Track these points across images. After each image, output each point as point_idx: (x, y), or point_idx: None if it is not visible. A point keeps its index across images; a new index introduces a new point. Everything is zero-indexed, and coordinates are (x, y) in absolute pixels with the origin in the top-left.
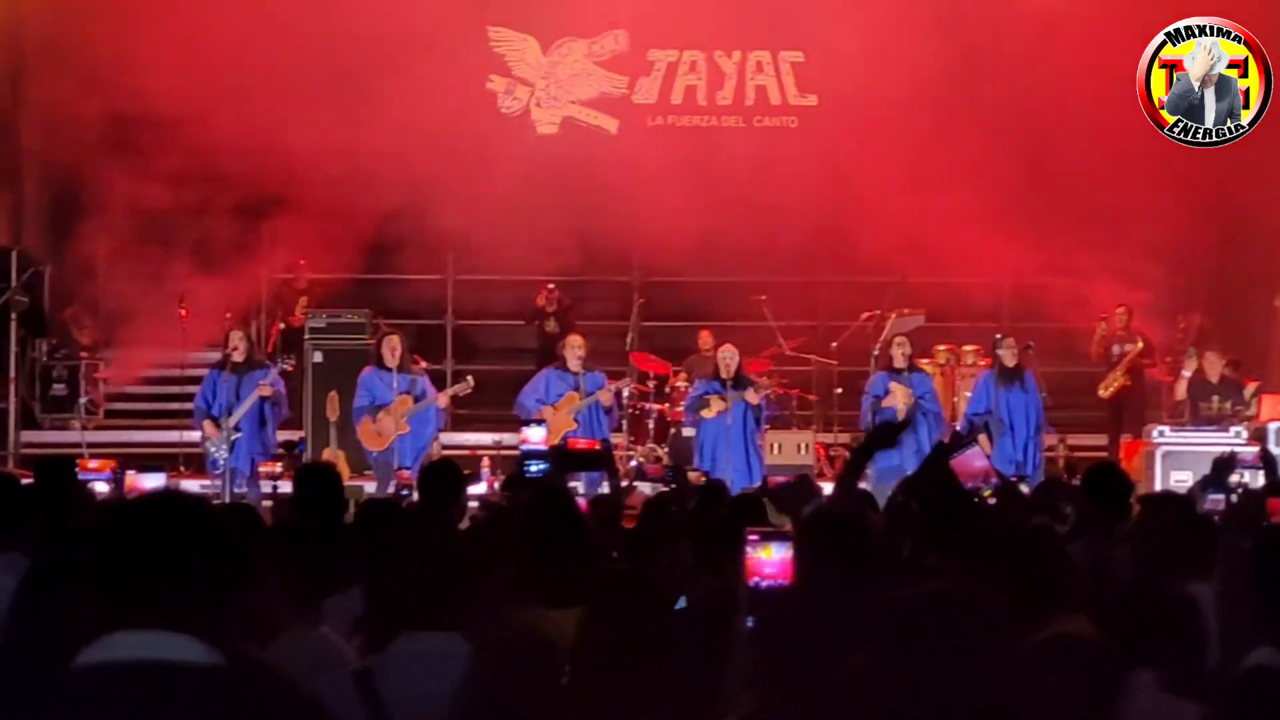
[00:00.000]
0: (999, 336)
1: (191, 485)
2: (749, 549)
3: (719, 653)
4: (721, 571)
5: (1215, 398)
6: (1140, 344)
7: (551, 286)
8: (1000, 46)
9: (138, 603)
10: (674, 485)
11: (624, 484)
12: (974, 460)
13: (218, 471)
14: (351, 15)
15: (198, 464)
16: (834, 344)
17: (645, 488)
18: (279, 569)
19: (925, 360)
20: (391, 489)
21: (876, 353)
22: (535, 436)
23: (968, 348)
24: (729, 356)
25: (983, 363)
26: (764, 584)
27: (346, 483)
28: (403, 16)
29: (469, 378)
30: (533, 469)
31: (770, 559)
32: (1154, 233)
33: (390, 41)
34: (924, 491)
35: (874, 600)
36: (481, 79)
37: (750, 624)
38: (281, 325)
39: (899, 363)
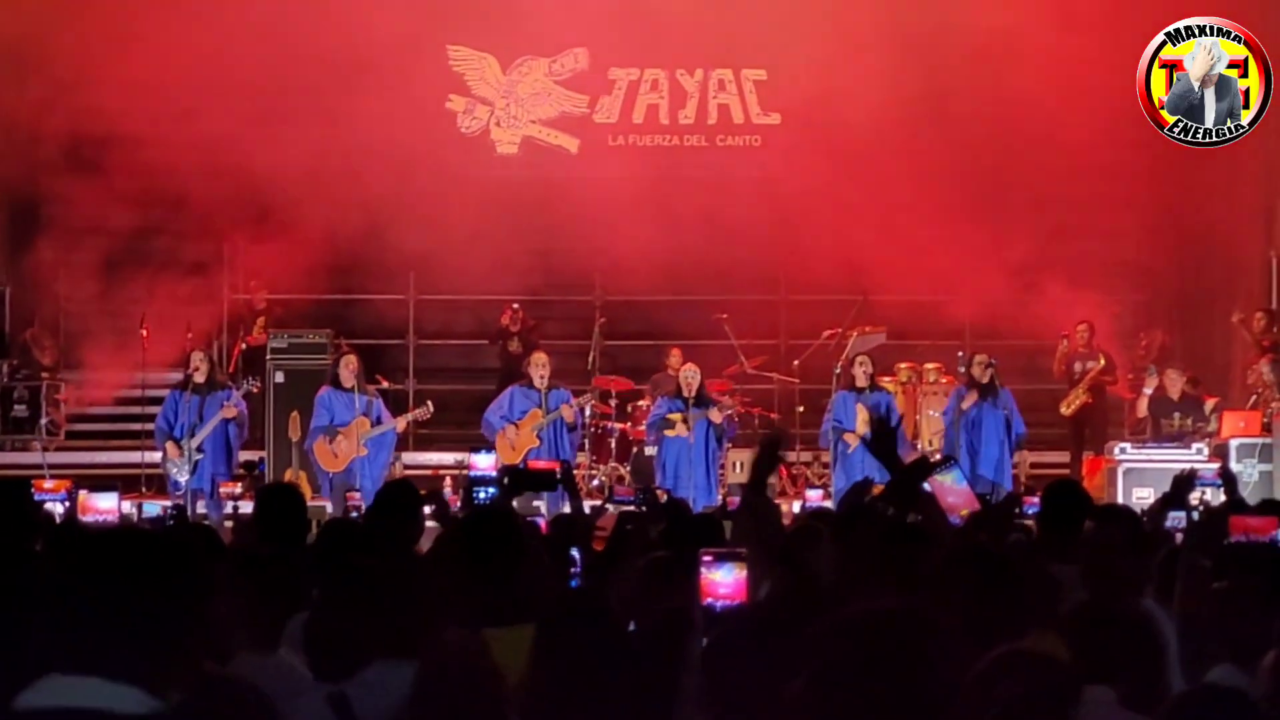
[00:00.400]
0: (963, 354)
1: (152, 507)
2: (703, 569)
3: (673, 674)
4: (677, 592)
5: (1176, 415)
6: (1102, 361)
7: (516, 306)
8: (962, 66)
9: (79, 646)
10: (645, 506)
11: (601, 505)
12: (947, 495)
13: (179, 493)
14: (310, 35)
15: (159, 485)
16: (796, 362)
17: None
18: (237, 591)
19: (887, 379)
20: (340, 510)
21: (838, 371)
22: (483, 463)
23: (930, 366)
24: (691, 375)
25: (944, 380)
26: (718, 605)
27: (309, 503)
28: (363, 36)
29: (428, 403)
30: (480, 495)
31: (725, 579)
32: (1115, 250)
33: (350, 62)
34: (900, 505)
35: (819, 620)
36: (441, 99)
37: (704, 644)
38: (243, 345)
39: (861, 381)
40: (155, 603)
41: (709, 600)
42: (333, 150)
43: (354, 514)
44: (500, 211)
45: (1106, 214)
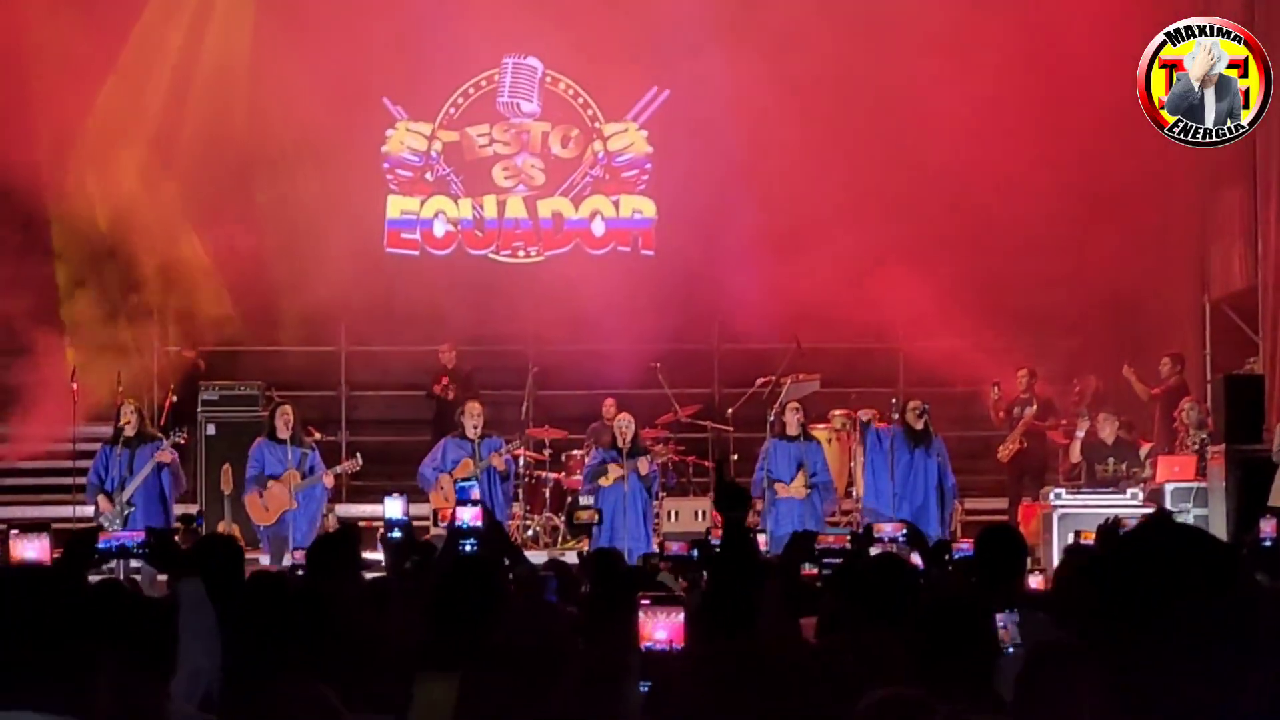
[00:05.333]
0: (896, 400)
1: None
2: (641, 614)
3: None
4: (613, 637)
5: (1110, 459)
6: (1035, 407)
7: (446, 347)
8: (897, 108)
9: (10, 681)
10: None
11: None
12: None
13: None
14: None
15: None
16: (730, 411)
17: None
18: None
19: (822, 425)
20: (277, 562)
21: (771, 419)
22: (466, 515)
23: (864, 413)
24: (625, 425)
25: (879, 427)
26: (656, 648)
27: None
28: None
29: (358, 455)
30: (465, 547)
31: (662, 623)
32: (1048, 296)
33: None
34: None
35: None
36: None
37: (643, 689)
38: (174, 398)
39: (792, 429)
40: (71, 635)
41: (646, 644)
42: (271, 203)
43: (298, 570)
44: (433, 263)
45: (1040, 260)
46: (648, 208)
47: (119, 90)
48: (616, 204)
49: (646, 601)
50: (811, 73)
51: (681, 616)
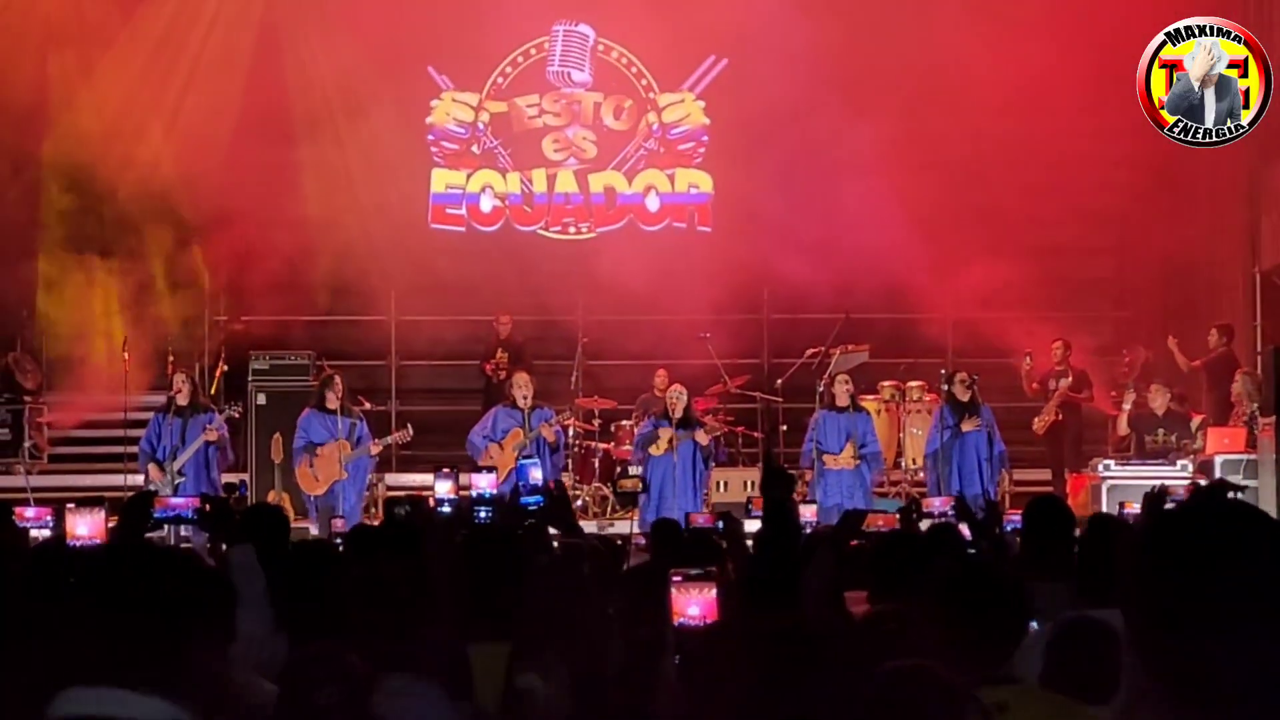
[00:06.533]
0: (945, 372)
1: None
2: (673, 589)
3: (646, 693)
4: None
5: (1160, 431)
6: (1070, 378)
7: (506, 319)
8: (948, 80)
9: (99, 658)
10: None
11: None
12: None
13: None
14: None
15: None
16: (779, 381)
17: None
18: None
19: (871, 397)
20: (325, 533)
21: (821, 390)
22: (483, 483)
23: (913, 384)
24: (677, 396)
25: (928, 398)
26: (689, 624)
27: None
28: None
29: (408, 425)
30: (481, 515)
31: (695, 598)
32: (1098, 268)
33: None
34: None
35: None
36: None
37: (676, 663)
38: (224, 368)
39: (842, 400)
40: (165, 614)
41: (679, 619)
42: (317, 174)
43: (337, 539)
44: (479, 238)
45: (1089, 231)
46: (705, 182)
47: (160, 58)
48: (672, 178)
49: (678, 577)
50: (869, 40)
51: (714, 592)
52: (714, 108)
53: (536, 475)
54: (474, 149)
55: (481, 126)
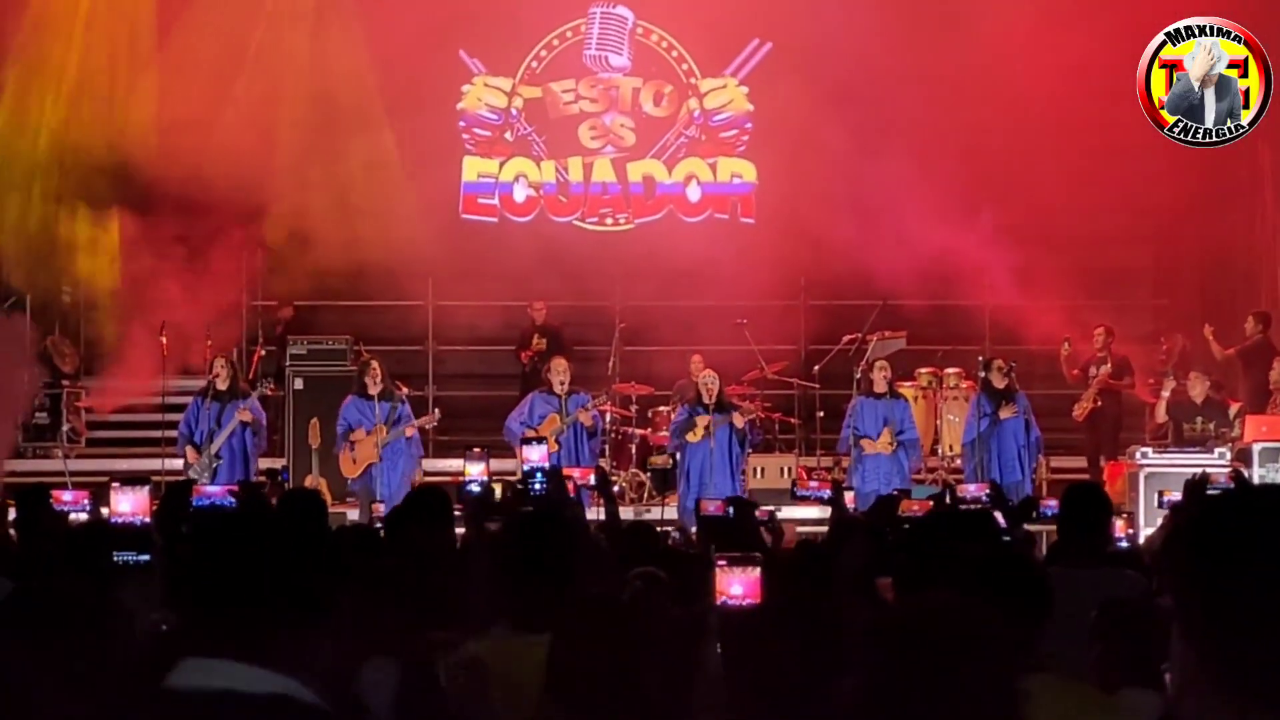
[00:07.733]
0: (983, 359)
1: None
2: (717, 571)
3: (688, 675)
4: (696, 595)
5: (1199, 419)
6: (1109, 365)
7: (541, 305)
8: (983, 71)
9: (212, 630)
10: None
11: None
12: None
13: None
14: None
15: None
16: (816, 368)
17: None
18: None
19: (908, 383)
20: (366, 518)
21: (858, 376)
22: (535, 455)
23: (950, 371)
24: (709, 380)
25: (965, 385)
26: (731, 603)
27: (330, 510)
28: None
29: (435, 410)
30: (536, 486)
31: (738, 580)
32: (1136, 256)
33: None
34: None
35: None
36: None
37: (719, 646)
38: (262, 352)
39: (879, 387)
40: (288, 585)
41: (723, 600)
42: (357, 160)
43: (377, 523)
44: (513, 228)
45: (1128, 220)
46: (748, 171)
47: (219, 50)
48: (714, 167)
49: (722, 561)
50: (912, 26)
51: (758, 573)
52: (757, 94)
53: (534, 455)
54: (507, 136)
55: (515, 113)
